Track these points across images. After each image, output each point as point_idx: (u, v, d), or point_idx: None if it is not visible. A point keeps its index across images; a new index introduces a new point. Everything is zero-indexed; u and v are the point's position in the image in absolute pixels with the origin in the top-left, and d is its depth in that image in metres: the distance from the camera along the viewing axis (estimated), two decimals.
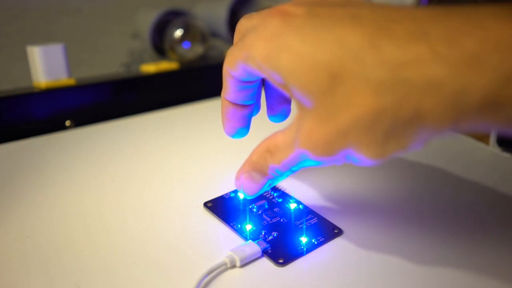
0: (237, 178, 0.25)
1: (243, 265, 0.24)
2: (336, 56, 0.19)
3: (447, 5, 0.18)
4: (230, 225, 0.27)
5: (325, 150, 0.20)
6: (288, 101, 0.28)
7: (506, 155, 0.36)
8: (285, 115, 0.29)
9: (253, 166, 0.24)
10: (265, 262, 0.24)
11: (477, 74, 0.16)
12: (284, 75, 0.20)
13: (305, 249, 0.25)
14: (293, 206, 0.28)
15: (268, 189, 0.28)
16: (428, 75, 0.17)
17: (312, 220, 0.27)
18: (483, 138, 0.40)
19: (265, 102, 0.28)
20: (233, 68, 0.24)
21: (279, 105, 0.28)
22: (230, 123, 0.27)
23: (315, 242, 0.25)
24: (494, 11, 0.17)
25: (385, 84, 0.18)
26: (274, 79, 0.21)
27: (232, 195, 0.30)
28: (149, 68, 0.52)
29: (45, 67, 0.44)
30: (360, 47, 0.18)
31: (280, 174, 0.24)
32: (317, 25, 0.20)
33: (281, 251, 0.24)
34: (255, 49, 0.21)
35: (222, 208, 0.28)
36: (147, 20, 0.56)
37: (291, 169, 0.23)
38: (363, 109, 0.18)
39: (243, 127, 0.27)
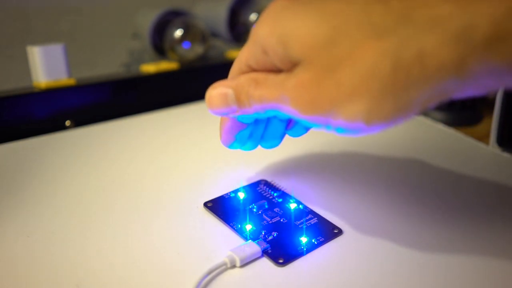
0: (214, 87, 0.24)
1: (243, 265, 0.24)
2: (340, 10, 0.19)
3: None
4: (230, 225, 0.27)
5: (311, 102, 0.20)
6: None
7: (506, 155, 0.36)
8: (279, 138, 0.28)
9: (235, 86, 0.23)
10: (265, 262, 0.24)
11: (485, 6, 0.16)
12: (287, 39, 0.20)
13: (305, 249, 0.25)
14: (293, 206, 0.28)
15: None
16: (434, 13, 0.17)
17: (312, 220, 0.27)
18: (483, 138, 0.40)
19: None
20: (235, 75, 0.24)
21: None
22: (227, 136, 0.27)
23: (315, 242, 0.25)
24: None
25: (390, 27, 0.17)
26: (276, 52, 0.21)
27: (232, 195, 0.30)
28: (149, 68, 0.52)
29: (45, 67, 0.44)
30: (366, 2, 0.18)
31: (252, 111, 0.23)
32: (325, 0, 0.20)
33: (281, 251, 0.24)
34: (261, 29, 0.21)
35: (222, 208, 0.28)
36: (147, 20, 0.56)
37: (266, 112, 0.23)
38: (365, 55, 0.18)
39: (238, 143, 0.28)
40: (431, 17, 0.17)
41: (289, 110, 0.21)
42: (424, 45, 0.17)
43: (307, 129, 0.27)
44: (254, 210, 0.28)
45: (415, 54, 0.17)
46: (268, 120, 0.28)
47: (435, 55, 0.17)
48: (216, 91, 0.24)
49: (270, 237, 0.26)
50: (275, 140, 0.28)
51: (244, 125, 0.27)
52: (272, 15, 0.21)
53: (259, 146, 0.29)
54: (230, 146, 0.28)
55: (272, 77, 0.22)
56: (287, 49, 0.20)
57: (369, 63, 0.18)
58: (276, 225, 0.27)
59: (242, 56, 0.24)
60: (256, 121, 0.27)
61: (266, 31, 0.21)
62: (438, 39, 0.17)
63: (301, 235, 0.26)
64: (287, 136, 0.28)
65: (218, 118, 0.28)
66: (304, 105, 0.20)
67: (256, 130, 0.28)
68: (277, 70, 0.22)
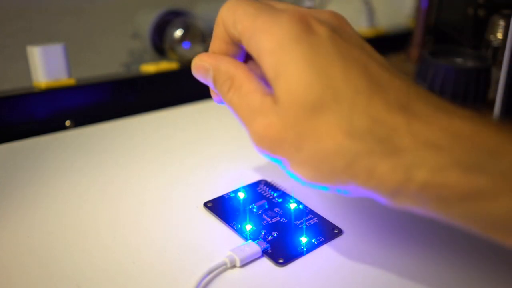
0: (201, 59, 0.24)
1: (243, 265, 0.24)
2: (338, 84, 0.19)
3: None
4: (230, 225, 0.27)
5: (271, 142, 0.20)
6: None
7: None
8: None
9: (215, 70, 0.23)
10: (265, 262, 0.24)
11: (436, 153, 0.18)
12: (281, 73, 0.20)
13: (305, 249, 0.25)
14: (293, 206, 0.28)
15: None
16: (399, 142, 0.18)
17: (312, 220, 0.27)
18: None
19: None
20: (228, 25, 0.24)
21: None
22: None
23: (315, 242, 0.25)
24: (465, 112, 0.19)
25: (362, 133, 0.19)
26: (267, 70, 0.21)
27: (232, 195, 0.30)
28: (149, 68, 0.52)
29: (45, 67, 0.44)
30: (357, 91, 0.19)
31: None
32: (333, 53, 0.20)
33: (281, 251, 0.24)
34: (268, 41, 0.20)
35: (222, 208, 0.28)
36: (147, 20, 0.56)
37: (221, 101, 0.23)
38: (332, 140, 0.19)
39: None
40: (395, 145, 0.18)
41: (248, 132, 0.21)
42: (377, 164, 0.19)
43: None
44: (254, 210, 0.28)
45: (366, 169, 0.19)
46: None
47: (380, 180, 0.19)
48: (201, 63, 0.24)
49: (270, 237, 0.26)
50: None
51: None
52: (283, 38, 0.20)
53: None
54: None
55: (247, 89, 0.22)
56: (276, 79, 0.20)
57: (331, 151, 0.19)
58: (276, 225, 0.27)
59: (232, 29, 0.23)
60: None
61: (269, 48, 0.20)
62: (389, 167, 0.18)
63: (301, 235, 0.26)
64: None
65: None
66: (262, 140, 0.21)
67: None
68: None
